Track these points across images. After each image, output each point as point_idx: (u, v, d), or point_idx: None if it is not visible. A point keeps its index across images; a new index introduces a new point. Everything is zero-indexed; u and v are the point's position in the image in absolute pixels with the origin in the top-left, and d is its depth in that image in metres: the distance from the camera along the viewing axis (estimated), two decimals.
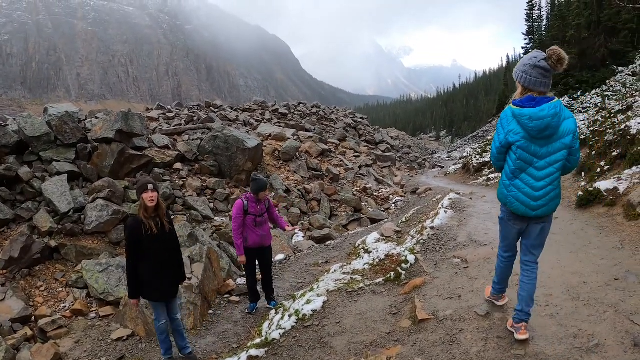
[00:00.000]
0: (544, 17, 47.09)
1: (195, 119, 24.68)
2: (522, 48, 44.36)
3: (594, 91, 24.12)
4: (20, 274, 8.28)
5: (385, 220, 14.63)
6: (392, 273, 6.69)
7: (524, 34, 43.62)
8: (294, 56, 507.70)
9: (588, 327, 3.92)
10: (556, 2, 45.47)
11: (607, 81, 23.47)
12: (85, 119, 14.16)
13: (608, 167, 9.70)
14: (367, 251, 8.67)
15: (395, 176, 27.03)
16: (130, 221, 5.25)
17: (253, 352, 5.26)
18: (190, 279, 7.45)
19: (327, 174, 20.15)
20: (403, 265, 6.84)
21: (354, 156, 26.94)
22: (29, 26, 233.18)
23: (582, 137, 13.42)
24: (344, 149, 27.90)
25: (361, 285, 6.59)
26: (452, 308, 4.91)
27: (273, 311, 6.95)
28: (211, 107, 32.39)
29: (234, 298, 8.18)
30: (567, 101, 25.07)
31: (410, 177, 27.86)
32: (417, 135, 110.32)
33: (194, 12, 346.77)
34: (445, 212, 9.59)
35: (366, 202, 18.39)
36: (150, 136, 14.83)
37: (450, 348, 4.16)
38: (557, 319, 4.17)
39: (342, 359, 4.68)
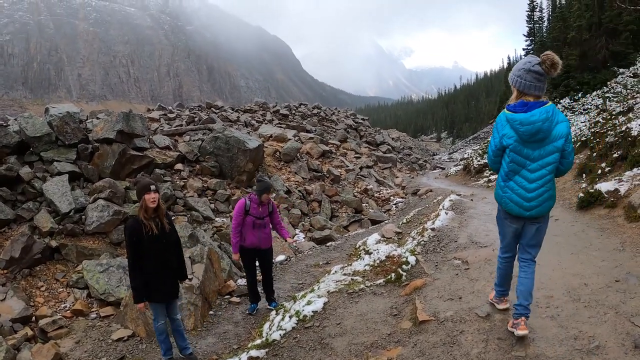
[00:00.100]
0: (545, 19, 47.07)
1: (196, 119, 24.69)
2: (523, 49, 44.34)
3: (595, 93, 24.11)
4: (21, 274, 8.29)
5: (386, 221, 14.63)
6: (393, 274, 6.69)
7: (524, 35, 43.56)
8: (294, 57, 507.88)
9: (589, 329, 3.92)
10: (557, 3, 45.47)
11: (608, 83, 23.46)
12: (87, 120, 14.17)
13: (609, 168, 9.70)
14: (368, 252, 8.67)
15: (396, 177, 27.04)
16: (130, 222, 5.25)
17: (253, 352, 5.26)
18: (191, 279, 7.46)
19: (328, 175, 20.15)
20: (404, 266, 6.83)
21: (354, 157, 26.94)
22: (30, 26, 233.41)
23: (583, 138, 13.42)
24: (345, 150, 27.91)
25: (362, 286, 6.59)
26: (452, 309, 4.90)
27: (273, 312, 6.95)
28: (212, 108, 32.41)
29: (235, 299, 8.18)
30: (568, 102, 25.08)
31: (411, 179, 27.87)
32: (418, 136, 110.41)
33: (195, 12, 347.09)
34: (446, 213, 9.58)
35: (367, 203, 18.39)
36: (151, 137, 14.84)
37: (451, 349, 4.15)
38: (557, 321, 4.17)
39: None
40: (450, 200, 11.16)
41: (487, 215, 9.32)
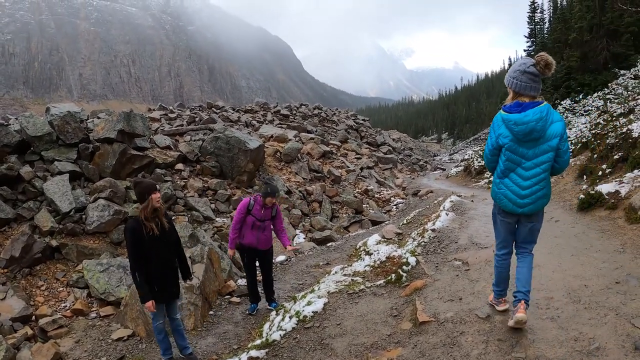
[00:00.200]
0: (546, 20, 47.05)
1: (197, 119, 24.71)
2: (524, 51, 44.28)
3: (595, 94, 24.12)
4: (21, 273, 8.29)
5: (386, 222, 14.63)
6: (393, 275, 6.69)
7: (526, 36, 43.53)
8: (295, 57, 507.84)
9: (589, 330, 3.92)
10: (558, 5, 45.47)
11: (609, 84, 23.45)
12: (87, 119, 14.16)
13: (610, 170, 9.69)
14: (368, 253, 8.68)
15: (397, 178, 27.04)
16: (130, 223, 5.23)
17: (253, 353, 5.26)
18: (191, 279, 7.46)
19: (328, 176, 20.15)
20: (404, 267, 6.83)
21: (355, 158, 26.95)
22: (31, 26, 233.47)
23: (584, 140, 13.42)
24: (346, 151, 27.91)
25: (362, 287, 6.59)
26: (452, 310, 4.90)
27: (274, 312, 6.95)
28: (213, 108, 32.45)
29: (235, 299, 8.18)
30: (569, 104, 25.07)
31: (412, 179, 27.89)
32: (418, 137, 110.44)
33: (196, 13, 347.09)
34: (447, 214, 9.59)
35: (367, 204, 18.39)
36: (152, 136, 14.84)
37: (451, 350, 4.15)
38: (558, 322, 4.16)
39: None
40: (450, 202, 11.17)
41: (488, 217, 9.28)
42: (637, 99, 15.32)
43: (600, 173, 9.88)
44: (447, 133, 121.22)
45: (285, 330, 5.62)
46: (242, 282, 9.02)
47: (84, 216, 9.71)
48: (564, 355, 3.66)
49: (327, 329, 5.40)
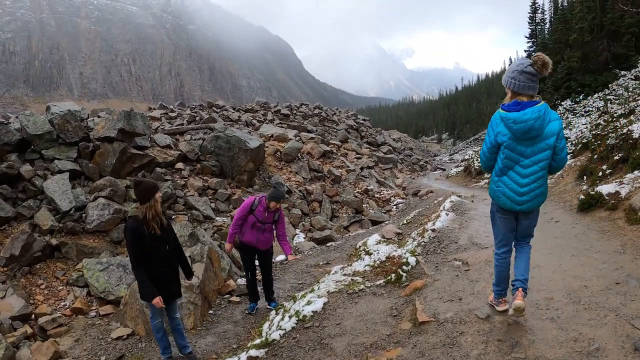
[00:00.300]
0: (547, 21, 47.00)
1: (197, 119, 24.70)
2: (525, 51, 44.23)
3: (596, 95, 24.13)
4: (20, 272, 8.29)
5: (386, 222, 14.63)
6: (393, 275, 6.69)
7: (526, 37, 43.47)
8: (296, 57, 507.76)
9: (589, 331, 3.92)
10: (559, 5, 45.41)
11: (610, 85, 23.46)
12: (88, 118, 14.17)
13: (610, 171, 9.69)
14: (368, 253, 8.67)
15: (397, 178, 27.04)
16: (131, 223, 5.20)
17: (253, 352, 5.26)
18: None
19: (328, 175, 20.15)
20: (404, 267, 6.83)
21: (355, 158, 26.95)
22: (32, 24, 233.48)
23: (584, 140, 13.42)
24: (346, 151, 27.91)
25: (362, 286, 6.59)
26: (452, 310, 4.90)
27: (273, 312, 6.95)
28: (213, 107, 32.44)
29: (235, 298, 8.18)
30: (570, 105, 25.07)
31: (412, 179, 27.89)
32: (419, 137, 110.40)
33: (197, 12, 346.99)
34: (447, 214, 9.59)
35: (367, 203, 18.38)
36: (152, 135, 14.84)
37: (451, 351, 4.15)
38: (557, 323, 4.16)
39: None
40: (450, 202, 11.16)
41: (488, 217, 9.24)
42: (638, 99, 15.33)
43: (600, 174, 9.88)
44: (447, 133, 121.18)
45: (285, 329, 5.62)
46: (242, 281, 9.02)
47: (84, 215, 9.71)
48: (564, 355, 3.65)
49: (327, 329, 5.40)
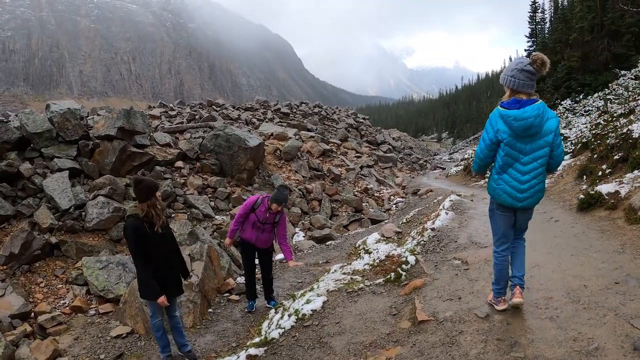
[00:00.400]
0: (547, 20, 46.99)
1: (197, 117, 24.68)
2: (525, 50, 44.23)
3: (596, 94, 24.13)
4: (20, 270, 8.28)
5: (386, 221, 14.64)
6: (392, 274, 6.69)
7: (526, 36, 43.47)
8: (296, 56, 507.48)
9: (588, 331, 3.92)
10: (559, 5, 45.41)
11: (610, 84, 23.47)
12: (87, 116, 14.15)
13: (609, 170, 9.69)
14: (368, 252, 8.68)
15: (397, 177, 27.03)
16: (131, 222, 5.18)
17: (252, 351, 5.26)
18: (190, 277, 7.46)
19: (328, 174, 20.14)
20: (403, 266, 6.83)
21: (355, 156, 26.94)
22: (32, 22, 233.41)
23: (584, 140, 13.42)
24: (346, 149, 27.90)
25: (361, 285, 6.59)
26: (452, 309, 4.90)
27: (273, 310, 6.95)
28: (213, 106, 32.42)
29: (234, 297, 8.19)
30: (570, 104, 25.08)
31: (412, 178, 27.87)
32: (418, 136, 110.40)
33: (197, 10, 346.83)
34: (446, 213, 9.59)
35: (367, 202, 18.39)
36: (152, 134, 14.82)
37: (450, 350, 4.15)
38: (557, 322, 4.16)
39: (342, 359, 4.67)
40: (450, 201, 11.17)
41: (487, 216, 9.30)
42: (638, 99, 15.33)
43: (600, 173, 9.88)
44: (447, 132, 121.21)
45: (284, 328, 5.62)
46: (241, 279, 9.02)
47: (83, 213, 9.70)
48: (563, 355, 3.66)
49: (326, 328, 5.40)
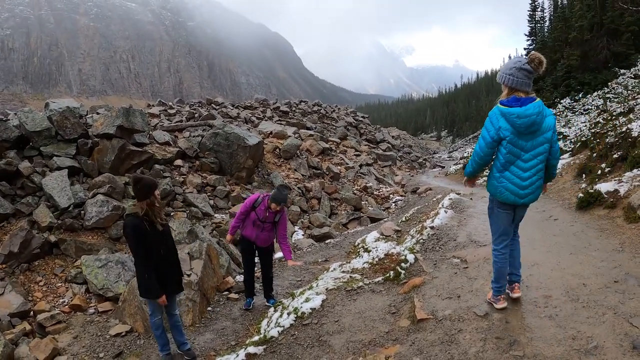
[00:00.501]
0: (547, 19, 46.99)
1: (196, 115, 24.67)
2: (525, 49, 44.25)
3: (595, 93, 24.14)
4: (19, 269, 8.28)
5: (385, 219, 14.64)
6: (392, 272, 6.69)
7: (526, 35, 43.50)
8: (295, 54, 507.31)
9: (587, 329, 3.92)
10: (559, 3, 45.40)
11: (609, 83, 23.49)
12: (86, 115, 14.14)
13: (609, 169, 9.69)
14: (367, 250, 8.68)
15: (396, 175, 27.02)
16: (131, 220, 5.16)
17: (251, 349, 5.26)
18: (189, 275, 7.46)
19: (327, 173, 20.14)
20: (402, 264, 6.84)
21: (354, 155, 26.93)
22: (31, 21, 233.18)
23: (584, 138, 13.42)
24: (345, 148, 27.89)
25: (360, 284, 6.59)
26: (451, 308, 4.91)
27: (272, 309, 6.95)
28: (212, 104, 32.39)
29: (233, 295, 8.18)
30: (569, 103, 25.09)
31: (411, 177, 27.86)
32: (418, 134, 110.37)
33: (196, 8, 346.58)
34: (446, 212, 9.59)
35: (366, 201, 18.38)
36: (151, 132, 14.81)
37: (449, 348, 4.15)
38: (556, 321, 4.16)
39: (341, 357, 4.67)
40: (449, 199, 11.16)
41: (487, 214, 9.30)
42: (637, 98, 15.34)
43: (599, 172, 9.88)
44: (446, 131, 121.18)
45: (283, 326, 5.62)
46: (241, 278, 9.00)
47: (82, 212, 9.69)
48: (562, 353, 3.66)
49: (325, 326, 5.40)
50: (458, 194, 12.47)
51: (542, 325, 4.13)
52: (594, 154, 11.06)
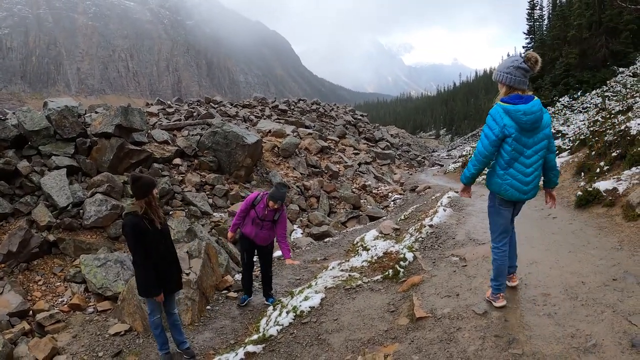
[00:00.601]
0: (545, 17, 46.98)
1: (194, 114, 24.64)
2: (523, 47, 44.20)
3: (594, 91, 24.14)
4: (18, 268, 8.27)
5: (384, 217, 14.64)
6: (391, 271, 6.69)
7: (524, 33, 43.43)
8: (294, 53, 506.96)
9: (586, 327, 3.92)
10: (557, 2, 45.37)
11: (608, 82, 23.49)
12: (85, 114, 14.12)
13: (607, 167, 9.69)
14: (366, 248, 8.68)
15: (395, 174, 27.02)
16: (130, 219, 5.15)
17: (250, 348, 5.26)
18: (188, 274, 7.46)
19: (326, 171, 20.13)
20: (401, 262, 6.84)
21: (353, 153, 26.92)
22: (29, 20, 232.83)
23: (582, 137, 13.42)
24: (344, 146, 27.87)
25: (359, 282, 6.59)
26: (450, 306, 4.91)
27: (271, 307, 6.95)
28: (211, 103, 32.35)
29: (232, 294, 8.18)
30: (568, 101, 25.08)
31: (410, 175, 27.86)
32: (416, 133, 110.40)
33: (194, 7, 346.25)
34: (444, 210, 9.59)
35: (365, 199, 18.37)
36: (149, 131, 14.79)
37: (448, 346, 4.16)
38: (555, 319, 4.17)
39: (340, 356, 4.68)
40: (448, 197, 11.17)
41: (485, 213, 9.29)
42: (636, 96, 15.34)
43: (598, 170, 9.88)
44: (445, 129, 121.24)
45: (282, 325, 5.62)
46: (240, 276, 9.01)
47: (81, 211, 9.69)
48: (561, 351, 3.66)
49: (324, 324, 5.40)
50: (457, 192, 12.47)
51: (540, 324, 4.13)
52: (593, 152, 11.06)
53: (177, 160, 14.22)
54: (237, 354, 5.27)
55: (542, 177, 4.41)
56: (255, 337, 5.65)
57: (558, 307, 4.37)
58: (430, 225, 8.64)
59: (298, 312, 5.81)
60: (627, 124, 10.46)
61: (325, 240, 12.47)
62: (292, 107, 36.95)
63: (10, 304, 7.34)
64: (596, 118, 15.39)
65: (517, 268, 4.99)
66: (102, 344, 6.64)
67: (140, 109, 14.81)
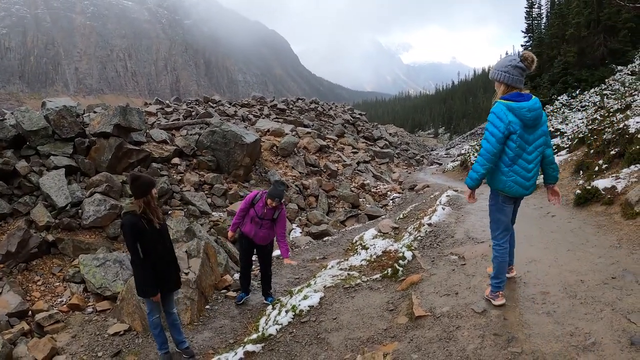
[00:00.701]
0: (544, 15, 47.00)
1: (193, 113, 24.64)
2: (522, 46, 44.20)
3: (592, 90, 24.16)
4: (17, 269, 8.26)
5: (382, 216, 14.64)
6: (389, 269, 6.70)
7: (523, 31, 43.43)
8: (293, 52, 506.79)
9: (585, 326, 3.93)
10: (556, 0, 45.38)
11: (606, 80, 23.52)
12: (83, 114, 14.08)
13: (606, 165, 9.70)
14: (365, 247, 8.68)
15: (393, 173, 27.02)
16: (128, 219, 5.14)
17: (250, 347, 5.27)
18: (187, 274, 7.45)
19: (325, 170, 20.13)
20: (400, 261, 6.84)
21: (352, 152, 26.91)
22: (27, 20, 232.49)
23: (581, 135, 13.43)
24: (342, 145, 27.86)
25: (358, 281, 6.59)
26: (449, 305, 4.91)
27: (270, 307, 6.96)
28: (209, 102, 32.34)
29: (231, 293, 8.18)
30: (566, 99, 25.10)
31: (408, 174, 27.86)
32: (415, 132, 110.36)
33: (193, 6, 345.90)
34: (443, 209, 9.59)
35: (364, 198, 18.37)
36: (148, 131, 14.79)
37: (447, 345, 4.16)
38: (554, 317, 4.17)
39: (339, 354, 4.68)
40: (447, 196, 11.17)
41: (484, 211, 9.27)
42: (634, 94, 15.35)
43: (596, 168, 9.88)
44: (443, 128, 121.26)
45: (282, 324, 5.63)
46: (239, 276, 9.01)
47: (80, 211, 9.68)
48: (560, 350, 3.67)
49: (323, 323, 5.40)
50: (455, 190, 12.48)
51: (540, 322, 4.14)
52: (591, 151, 11.07)
53: (176, 160, 14.21)
54: (236, 354, 5.27)
55: (542, 174, 4.47)
56: (254, 336, 5.65)
57: (557, 306, 4.37)
58: (429, 224, 8.65)
59: (297, 311, 5.81)
60: (626, 122, 10.46)
61: (324, 239, 12.47)
62: (291, 106, 36.95)
63: (10, 304, 7.33)
64: (595, 116, 15.40)
65: (516, 267, 5.15)
66: (102, 344, 6.64)
67: (138, 108, 14.79)
